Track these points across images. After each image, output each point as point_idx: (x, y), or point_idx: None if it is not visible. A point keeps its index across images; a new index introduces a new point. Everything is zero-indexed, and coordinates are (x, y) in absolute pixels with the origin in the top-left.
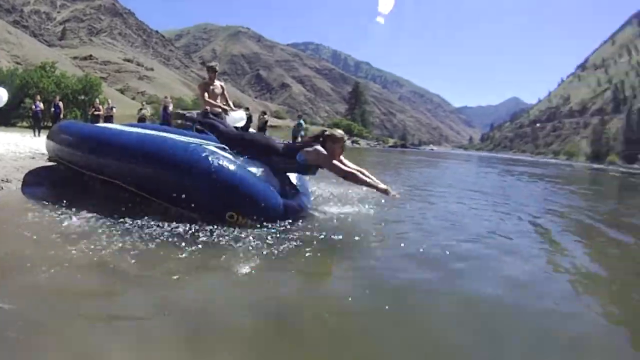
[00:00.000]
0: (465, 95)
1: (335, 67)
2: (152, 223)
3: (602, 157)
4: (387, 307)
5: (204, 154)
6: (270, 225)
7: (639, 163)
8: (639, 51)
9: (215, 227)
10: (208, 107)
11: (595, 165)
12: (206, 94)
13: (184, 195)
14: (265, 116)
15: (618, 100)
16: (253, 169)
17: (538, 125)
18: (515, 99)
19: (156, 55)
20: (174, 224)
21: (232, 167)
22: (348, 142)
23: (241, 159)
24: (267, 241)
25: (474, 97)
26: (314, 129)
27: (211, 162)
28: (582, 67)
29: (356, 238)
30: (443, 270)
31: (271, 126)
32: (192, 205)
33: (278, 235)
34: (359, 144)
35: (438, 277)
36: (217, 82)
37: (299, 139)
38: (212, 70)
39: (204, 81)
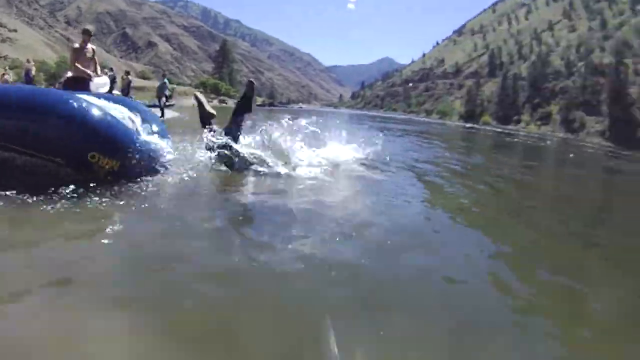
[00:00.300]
0: (337, 55)
1: (204, 25)
2: None
3: (475, 118)
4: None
5: (64, 98)
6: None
7: (512, 124)
8: (519, 21)
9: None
10: (71, 73)
11: (469, 125)
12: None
13: (47, 142)
14: (129, 77)
15: (494, 65)
16: (114, 113)
17: (411, 84)
18: (388, 60)
19: (20, 14)
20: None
21: (93, 110)
22: (215, 102)
23: (104, 102)
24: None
25: (345, 57)
26: (180, 89)
27: (71, 105)
28: (459, 32)
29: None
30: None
31: (135, 87)
32: (57, 151)
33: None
34: (226, 103)
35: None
36: (89, 46)
37: (164, 99)
38: (86, 33)
39: (75, 46)
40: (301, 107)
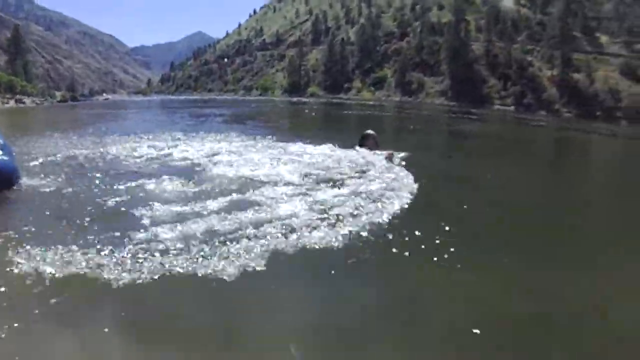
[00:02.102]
0: (142, 34)
1: None
2: None
3: (301, 90)
4: None
5: None
6: None
7: (344, 92)
8: None
9: None
10: None
11: (296, 99)
12: None
13: None
14: None
15: (319, 31)
16: None
17: (226, 60)
18: (201, 34)
19: None
20: None
21: None
22: (12, 103)
23: None
24: None
25: (151, 35)
26: None
27: None
28: None
29: None
30: None
31: None
32: None
33: None
34: (24, 102)
35: None
36: None
37: None
38: None
39: None
40: (107, 99)
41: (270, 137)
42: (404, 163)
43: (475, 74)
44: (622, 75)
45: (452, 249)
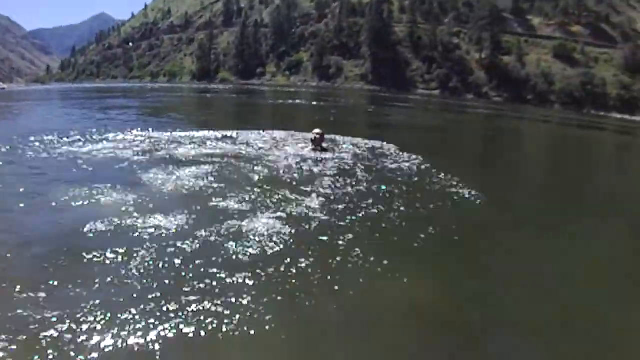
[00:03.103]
0: (42, 15)
1: None
2: None
3: (211, 75)
4: None
5: None
6: None
7: (257, 77)
8: None
9: None
10: None
11: (204, 86)
12: None
13: None
14: None
15: (231, 12)
16: None
17: (131, 44)
18: (105, 16)
19: None
20: None
21: None
22: None
23: None
24: None
25: (51, 17)
26: None
27: None
28: None
29: None
30: None
31: None
32: None
33: None
34: None
35: None
36: None
37: None
38: None
39: None
40: (4, 89)
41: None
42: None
43: (398, 56)
44: (556, 59)
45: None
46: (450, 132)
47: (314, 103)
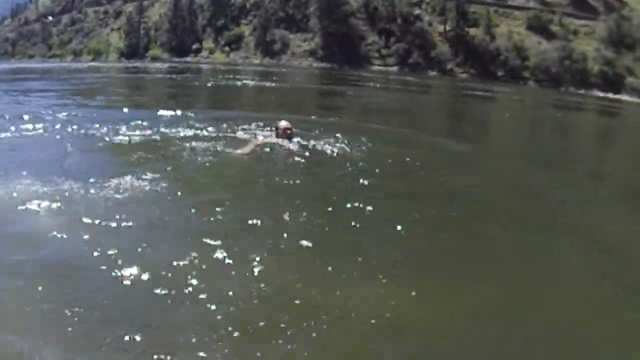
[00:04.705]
0: None
1: None
2: None
3: (141, 53)
4: None
5: None
6: None
7: (192, 54)
8: None
9: None
10: None
11: (133, 65)
12: None
13: None
14: None
15: None
16: None
17: (50, 18)
18: None
19: None
20: None
21: None
22: None
23: None
24: None
25: None
26: None
27: None
28: None
29: None
30: None
31: None
32: None
33: None
34: None
35: None
36: None
37: None
38: None
39: None
40: None
41: None
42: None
43: (351, 29)
44: (530, 30)
45: None
46: (415, 113)
47: (257, 83)
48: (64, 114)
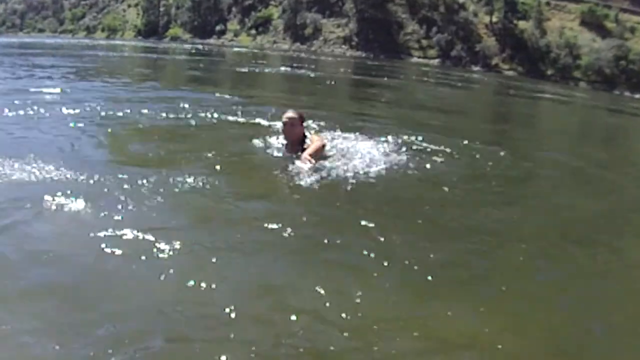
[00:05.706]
0: None
1: None
2: None
3: (160, 32)
4: None
5: None
6: None
7: (216, 36)
8: None
9: None
10: None
11: (160, 45)
12: None
13: None
14: None
15: None
16: None
17: None
18: None
19: None
20: None
21: None
22: None
23: None
24: None
25: None
26: None
27: None
28: None
29: None
30: None
31: None
32: None
33: None
34: None
35: None
36: None
37: None
38: None
39: None
40: None
41: None
42: None
43: (389, 16)
44: (583, 26)
45: None
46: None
47: (288, 72)
48: (92, 95)
